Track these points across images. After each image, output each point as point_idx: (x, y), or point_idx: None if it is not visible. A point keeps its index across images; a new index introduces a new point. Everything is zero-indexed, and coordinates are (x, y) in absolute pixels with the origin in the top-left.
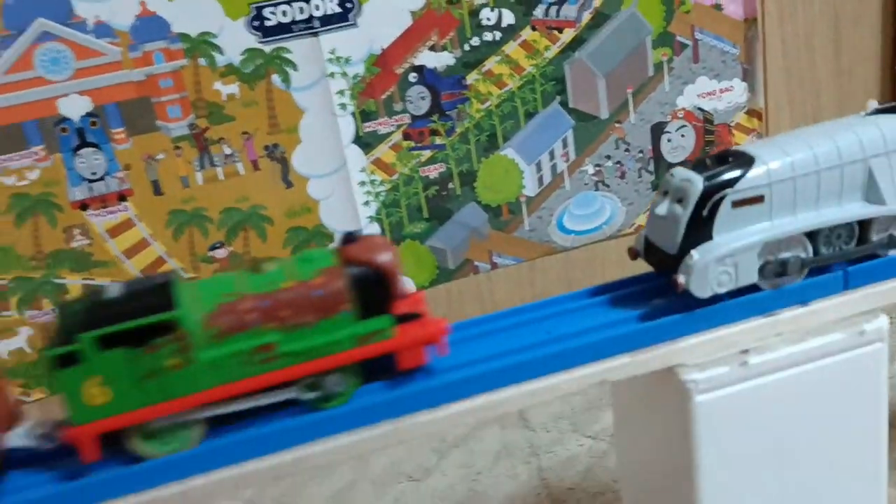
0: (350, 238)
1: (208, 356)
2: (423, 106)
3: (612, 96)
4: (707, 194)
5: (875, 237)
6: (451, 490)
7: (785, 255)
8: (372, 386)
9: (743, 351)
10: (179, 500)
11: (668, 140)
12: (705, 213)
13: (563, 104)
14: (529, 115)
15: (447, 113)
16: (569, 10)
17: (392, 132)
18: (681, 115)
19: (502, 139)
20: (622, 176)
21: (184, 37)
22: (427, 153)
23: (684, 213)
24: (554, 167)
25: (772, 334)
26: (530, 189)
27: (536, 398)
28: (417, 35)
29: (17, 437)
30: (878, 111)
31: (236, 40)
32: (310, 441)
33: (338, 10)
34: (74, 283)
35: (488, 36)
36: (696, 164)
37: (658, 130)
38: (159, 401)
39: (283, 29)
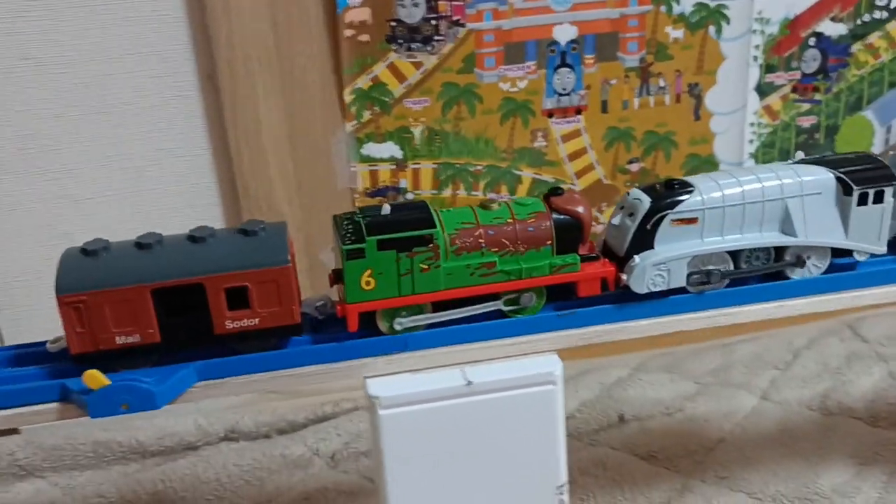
0: (556, 191)
1: (448, 265)
2: (813, 66)
3: None
4: (651, 212)
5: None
6: (818, 377)
7: (710, 267)
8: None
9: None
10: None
11: None
12: (649, 227)
13: None
14: (891, 85)
15: (829, 74)
16: None
17: (784, 85)
18: None
19: (866, 102)
20: None
21: None
22: (806, 106)
23: (632, 226)
24: None
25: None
26: (877, 147)
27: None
28: (825, 7)
29: (305, 307)
30: (802, 161)
31: None
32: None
33: None
34: (527, 176)
35: (878, 14)
36: (647, 188)
37: None
38: (407, 293)
39: None
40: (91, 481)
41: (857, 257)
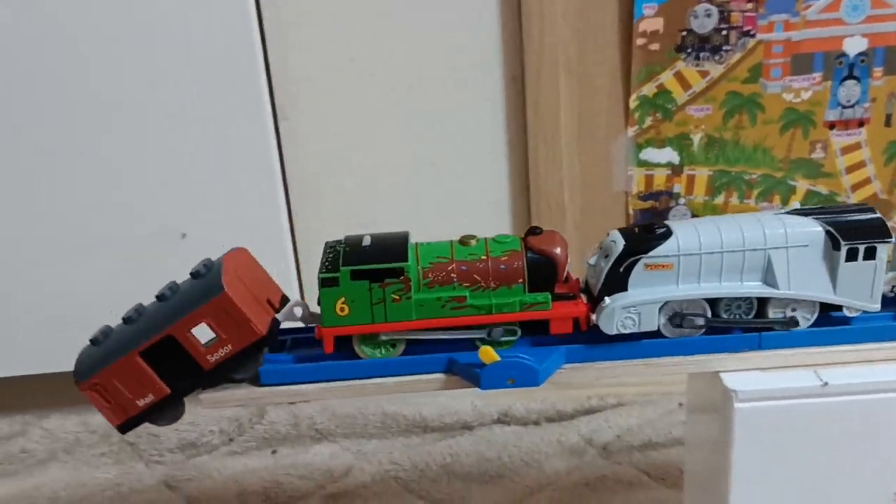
0: (534, 230)
1: (419, 297)
2: None
3: None
4: (624, 255)
5: (771, 313)
6: None
7: (686, 312)
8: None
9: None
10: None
11: None
12: (621, 269)
13: None
14: None
15: None
16: None
17: None
18: None
19: None
20: None
21: None
22: None
23: (605, 267)
24: None
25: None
26: None
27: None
28: None
29: (284, 315)
30: (795, 211)
31: None
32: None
33: None
34: (801, 187)
35: None
36: (626, 230)
37: None
38: (380, 321)
39: None
40: (379, 449)
41: (847, 313)
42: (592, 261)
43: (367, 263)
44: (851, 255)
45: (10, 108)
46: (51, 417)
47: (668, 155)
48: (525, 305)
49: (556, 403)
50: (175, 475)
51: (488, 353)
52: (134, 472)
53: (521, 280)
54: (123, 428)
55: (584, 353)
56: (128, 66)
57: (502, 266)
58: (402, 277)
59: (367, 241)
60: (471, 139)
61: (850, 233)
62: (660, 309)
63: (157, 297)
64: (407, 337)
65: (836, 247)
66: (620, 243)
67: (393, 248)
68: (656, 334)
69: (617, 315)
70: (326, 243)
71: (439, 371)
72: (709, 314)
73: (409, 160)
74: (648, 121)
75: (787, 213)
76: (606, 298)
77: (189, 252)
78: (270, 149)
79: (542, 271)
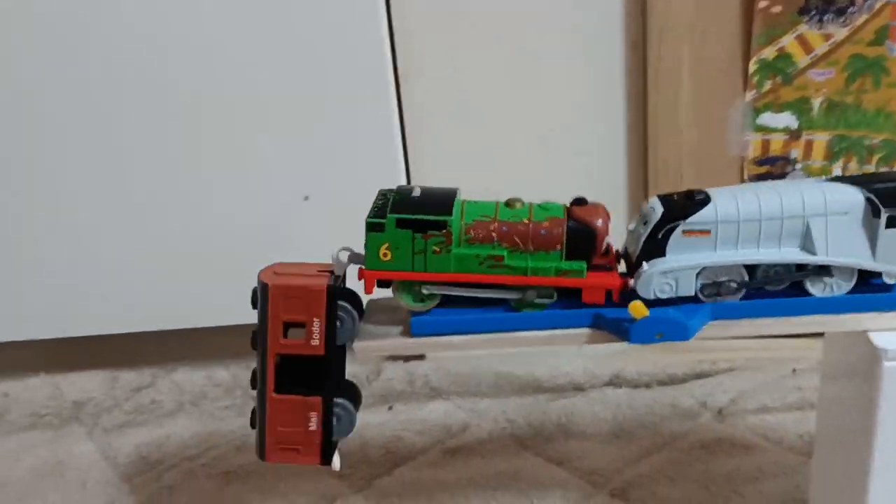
0: (579, 201)
1: (458, 252)
2: None
3: None
4: (662, 222)
5: (809, 282)
6: None
7: (723, 278)
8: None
9: None
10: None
11: None
12: (660, 235)
13: None
14: None
15: None
16: None
17: None
18: None
19: None
20: None
21: None
22: None
23: (644, 233)
24: None
25: None
26: None
27: None
28: None
29: (334, 261)
30: (836, 179)
31: None
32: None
33: None
34: None
35: None
36: (665, 197)
37: None
38: (419, 270)
39: None
40: (493, 408)
41: (887, 280)
42: (632, 227)
43: (412, 213)
44: (892, 223)
45: (146, 75)
46: (178, 371)
47: (787, 119)
48: (560, 272)
49: (668, 367)
50: None
51: (638, 309)
52: None
53: (559, 246)
54: (326, 459)
55: (730, 310)
56: (252, 30)
57: (543, 231)
58: (444, 231)
59: (416, 192)
60: (589, 106)
61: (892, 200)
62: (697, 275)
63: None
64: (443, 292)
65: (877, 214)
66: (659, 210)
67: (439, 201)
68: (801, 293)
69: (655, 280)
70: (379, 191)
71: (586, 325)
72: (745, 279)
73: (528, 126)
74: (767, 85)
75: (829, 180)
76: (645, 264)
77: (312, 214)
78: (391, 112)
79: (581, 240)
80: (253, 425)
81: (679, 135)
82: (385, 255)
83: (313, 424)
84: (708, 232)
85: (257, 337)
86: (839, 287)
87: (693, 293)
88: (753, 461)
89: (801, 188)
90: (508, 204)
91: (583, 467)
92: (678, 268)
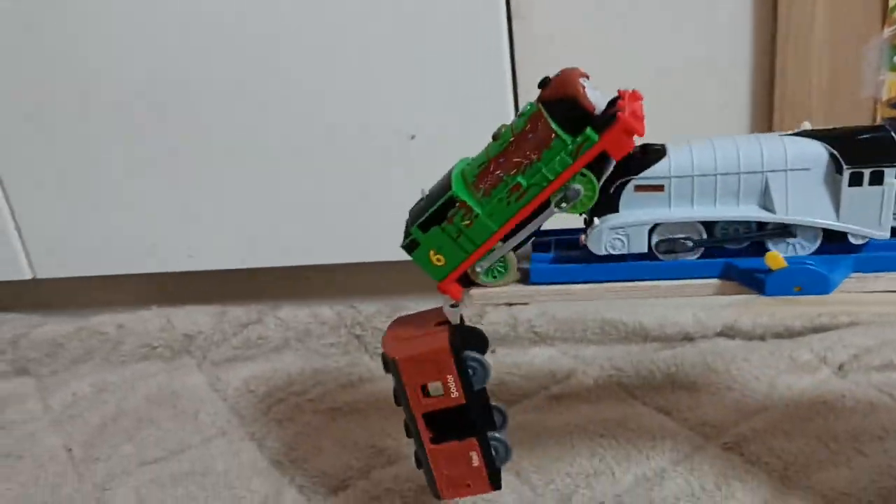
0: (544, 83)
1: (484, 210)
2: None
3: None
4: (614, 176)
5: (769, 241)
6: None
7: (679, 235)
8: None
9: None
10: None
11: None
12: (611, 190)
13: None
14: None
15: None
16: None
17: None
18: None
19: None
20: None
21: None
22: None
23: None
24: None
25: None
26: None
27: None
28: None
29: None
30: (801, 133)
31: None
32: None
33: None
34: None
35: None
36: None
37: None
38: (472, 250)
39: None
40: (598, 355)
41: (853, 241)
42: None
43: (424, 212)
44: (855, 180)
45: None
46: (283, 308)
47: None
48: (573, 153)
49: (785, 319)
50: None
51: (775, 259)
52: (362, 363)
53: (552, 135)
54: (496, 485)
55: (872, 263)
56: None
57: (530, 136)
58: (458, 204)
59: (422, 195)
60: (714, 42)
61: (855, 156)
62: (652, 231)
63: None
64: (501, 252)
65: (839, 170)
66: (610, 164)
67: (439, 186)
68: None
69: (605, 236)
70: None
71: (714, 276)
72: (703, 236)
73: (647, 63)
74: None
75: (794, 133)
76: (596, 219)
77: (417, 153)
78: (503, 49)
79: (566, 111)
80: (419, 466)
81: (809, 71)
82: (438, 260)
83: (475, 461)
84: (661, 187)
85: (399, 398)
86: (802, 248)
87: (645, 250)
88: (877, 419)
89: (760, 142)
90: (494, 137)
91: (693, 418)
92: (629, 223)
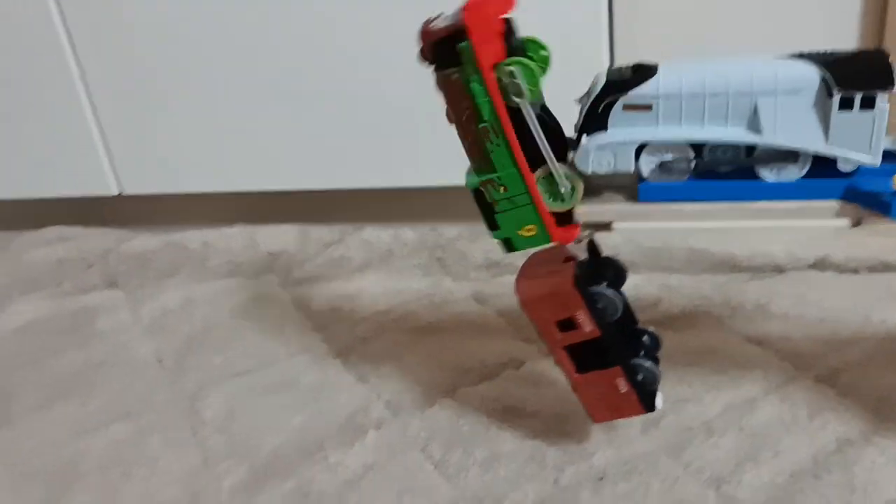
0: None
1: (494, 168)
2: None
3: None
4: (603, 95)
5: (759, 166)
6: None
7: (667, 157)
8: None
9: None
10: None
11: None
12: (600, 109)
13: None
14: None
15: None
16: None
17: None
18: None
19: None
20: None
21: None
22: None
23: (584, 105)
24: None
25: None
26: None
27: None
28: None
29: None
30: (796, 55)
31: None
32: None
33: None
34: None
35: None
36: (615, 69)
37: None
38: (529, 200)
39: None
40: (685, 284)
41: (841, 167)
42: (581, 98)
43: (484, 221)
44: (846, 104)
45: None
46: (366, 229)
47: None
48: (470, 69)
49: (881, 253)
50: (483, 291)
51: None
52: (443, 284)
53: (454, 79)
54: (650, 408)
55: None
56: None
57: (450, 97)
58: (482, 189)
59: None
60: None
61: (847, 79)
62: (639, 151)
63: None
64: (552, 168)
65: (830, 94)
66: (600, 83)
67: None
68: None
69: (592, 154)
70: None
71: (835, 198)
72: (691, 158)
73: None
74: None
75: (788, 56)
76: (584, 138)
77: None
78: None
79: (440, 57)
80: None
81: None
82: (529, 231)
83: (623, 387)
84: (649, 107)
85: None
86: (790, 173)
87: (632, 169)
88: None
89: (752, 64)
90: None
91: (785, 349)
92: (616, 142)
